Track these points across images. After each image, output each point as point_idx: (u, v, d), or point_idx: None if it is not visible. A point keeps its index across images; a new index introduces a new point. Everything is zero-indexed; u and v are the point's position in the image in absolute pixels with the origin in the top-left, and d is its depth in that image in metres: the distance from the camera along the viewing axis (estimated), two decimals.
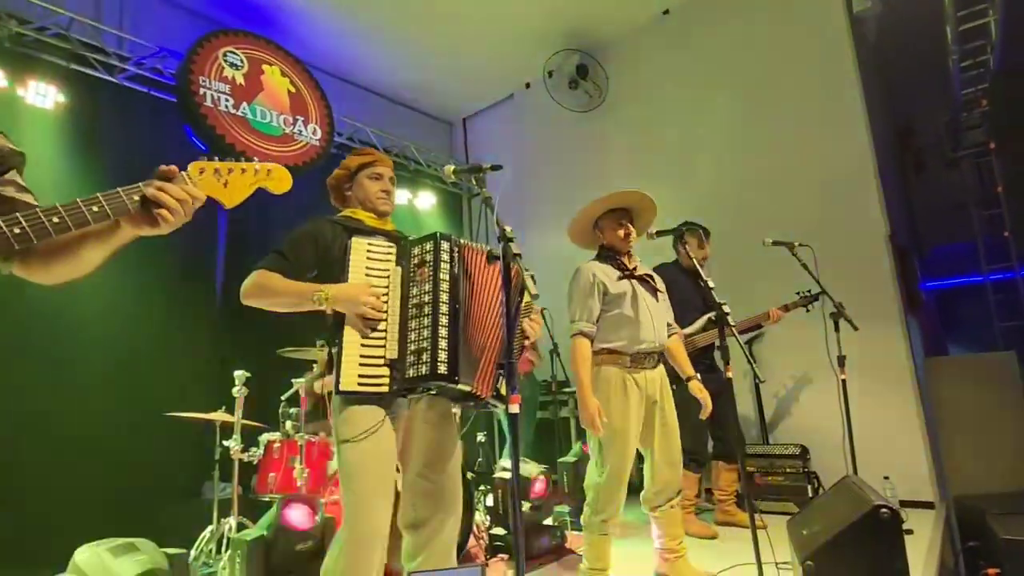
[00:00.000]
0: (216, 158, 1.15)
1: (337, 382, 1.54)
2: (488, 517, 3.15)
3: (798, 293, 3.39)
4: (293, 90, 4.42)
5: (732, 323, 2.18)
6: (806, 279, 3.12)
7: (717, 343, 2.21)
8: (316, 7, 4.48)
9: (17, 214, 0.90)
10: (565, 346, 4.64)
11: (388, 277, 1.66)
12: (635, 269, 2.47)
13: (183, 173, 1.07)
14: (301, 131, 4.37)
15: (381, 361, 1.58)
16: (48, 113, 3.30)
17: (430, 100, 6.11)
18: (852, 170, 3.94)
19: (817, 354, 3.34)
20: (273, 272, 1.66)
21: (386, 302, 1.63)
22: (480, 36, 5.01)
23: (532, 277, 1.36)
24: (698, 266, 2.33)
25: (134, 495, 3.30)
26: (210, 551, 2.90)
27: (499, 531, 3.09)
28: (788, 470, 3.63)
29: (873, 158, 3.92)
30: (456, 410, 1.88)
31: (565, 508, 3.57)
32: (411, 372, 1.55)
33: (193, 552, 2.84)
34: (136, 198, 0.99)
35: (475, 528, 2.98)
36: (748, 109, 4.43)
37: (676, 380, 2.55)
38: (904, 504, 3.22)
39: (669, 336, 2.51)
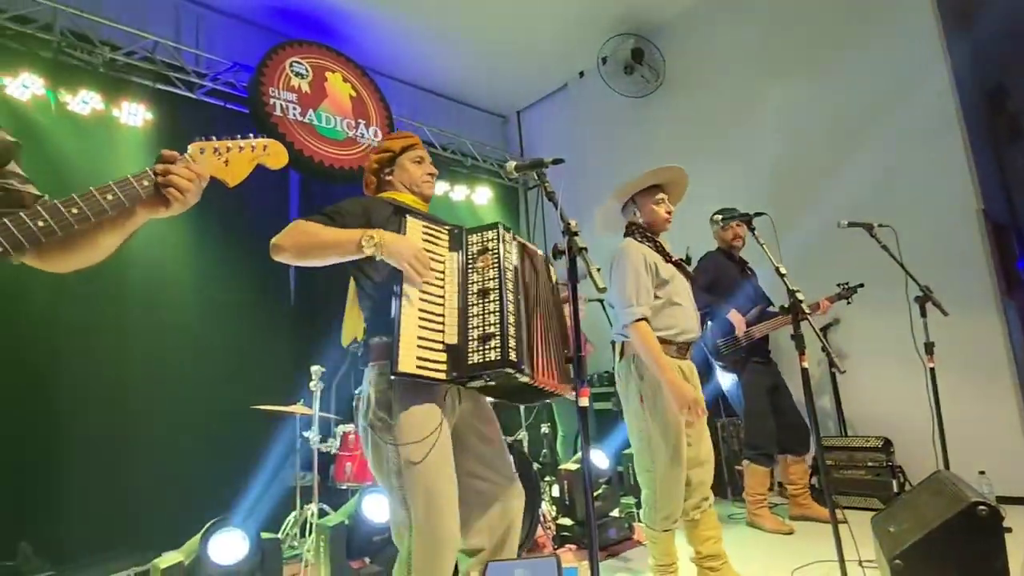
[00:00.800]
0: (213, 137, 1.16)
1: (394, 363, 1.37)
2: (554, 507, 3.19)
3: (839, 285, 3.22)
4: (354, 94, 4.58)
5: (807, 311, 2.09)
6: (883, 263, 2.93)
7: (791, 332, 2.11)
8: (373, 12, 4.61)
9: (38, 207, 0.92)
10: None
11: (443, 262, 1.59)
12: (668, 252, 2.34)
13: (185, 155, 1.09)
14: (363, 134, 4.53)
15: (439, 345, 1.47)
16: (138, 130, 3.59)
17: (484, 95, 6.16)
18: (936, 140, 3.66)
19: (901, 341, 3.13)
20: (313, 222, 1.57)
21: (441, 286, 1.55)
22: (532, 27, 4.99)
23: (599, 270, 1.36)
24: (770, 253, 2.23)
25: (226, 481, 3.56)
26: (295, 534, 3.09)
27: (566, 521, 3.12)
28: (870, 464, 3.45)
29: (961, 125, 3.62)
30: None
31: (632, 500, 3.55)
32: (475, 358, 1.45)
33: (279, 535, 3.04)
34: (147, 183, 1.03)
35: (542, 518, 3.02)
36: (816, 82, 4.20)
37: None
38: (1001, 500, 2.99)
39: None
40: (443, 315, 1.51)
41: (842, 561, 1.95)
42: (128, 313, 3.45)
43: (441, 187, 5.23)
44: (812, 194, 4.09)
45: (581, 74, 5.75)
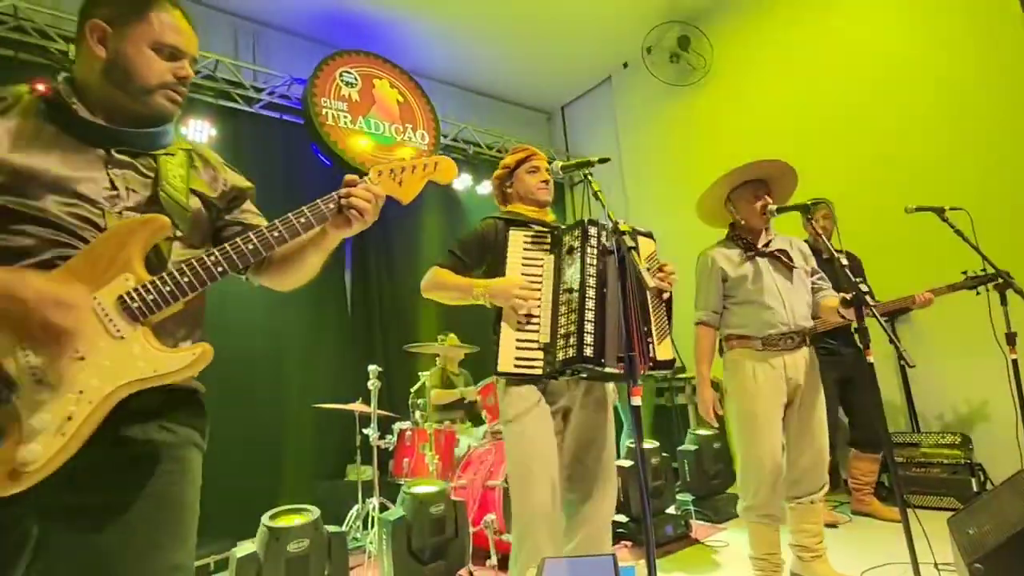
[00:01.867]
0: (392, 162, 1.26)
1: (496, 363, 1.66)
2: None
3: (964, 272, 3.02)
4: (401, 99, 4.69)
5: (872, 303, 2.00)
6: (957, 248, 2.75)
7: (854, 325, 2.03)
8: (417, 18, 4.70)
9: (249, 233, 1.07)
10: (679, 332, 4.55)
11: (543, 265, 1.75)
12: (767, 245, 2.31)
13: (366, 177, 1.21)
14: (411, 138, 4.63)
15: (535, 346, 1.66)
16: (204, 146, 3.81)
17: (528, 92, 6.17)
18: (1016, 116, 3.39)
19: (979, 331, 2.94)
20: (445, 268, 1.82)
21: (539, 290, 1.72)
22: (573, 22, 4.96)
23: (647, 269, 1.36)
24: (827, 242, 2.15)
25: (290, 476, 3.76)
26: (358, 527, 3.23)
27: (620, 518, 3.11)
28: (945, 461, 3.26)
29: None
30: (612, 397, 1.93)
31: (688, 496, 3.50)
32: (560, 355, 1.60)
33: (343, 528, 3.18)
34: (332, 205, 1.14)
35: None
36: (879, 59, 3.97)
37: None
38: None
39: (822, 298, 2.35)
40: (539, 316, 1.70)
41: (915, 563, 1.86)
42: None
43: (487, 186, 5.29)
44: (875, 177, 3.89)
45: (625, 65, 5.66)
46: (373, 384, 3.19)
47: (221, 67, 4.06)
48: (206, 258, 1.00)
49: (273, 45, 4.55)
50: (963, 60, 3.59)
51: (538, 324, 1.69)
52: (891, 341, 1.95)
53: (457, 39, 5.08)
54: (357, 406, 3.31)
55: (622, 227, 1.42)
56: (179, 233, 1.06)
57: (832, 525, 3.11)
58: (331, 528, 2.24)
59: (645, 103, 5.49)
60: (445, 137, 5.15)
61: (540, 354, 1.66)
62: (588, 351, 1.55)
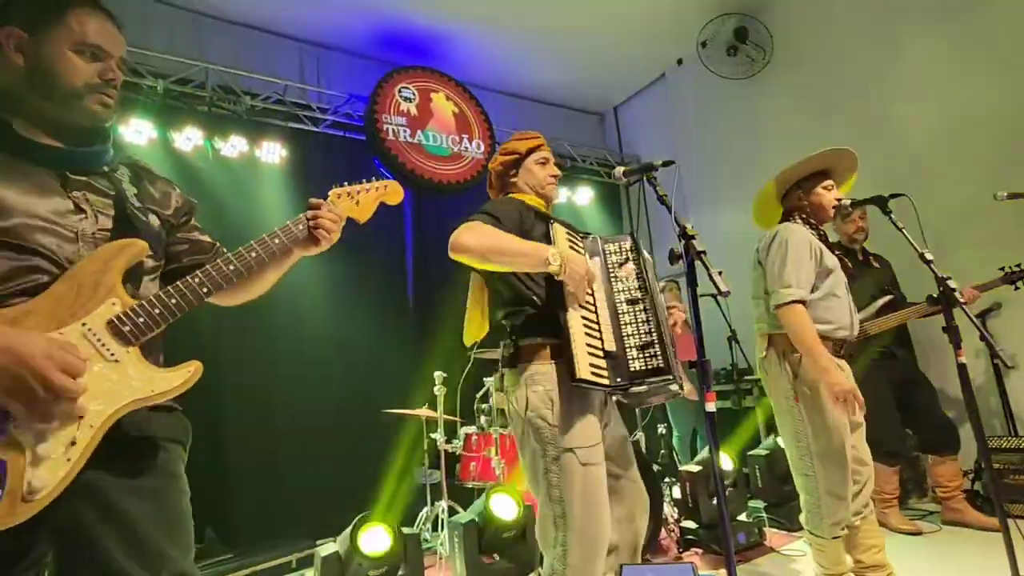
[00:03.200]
0: (346, 183, 1.35)
1: (574, 370, 1.43)
2: (676, 509, 3.13)
3: (1002, 269, 2.81)
4: (457, 111, 4.80)
5: (961, 299, 1.88)
6: None
7: (944, 324, 1.91)
8: (467, 29, 4.81)
9: (229, 254, 1.10)
10: (743, 332, 4.40)
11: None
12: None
13: (327, 201, 1.28)
14: (467, 148, 4.74)
15: (600, 352, 1.52)
16: (275, 167, 4.04)
17: (580, 94, 6.16)
18: None
19: None
20: (485, 224, 1.59)
21: (591, 292, 1.60)
22: (624, 21, 4.91)
23: (720, 273, 1.34)
24: (909, 238, 2.04)
25: (361, 480, 3.90)
26: (427, 529, 3.32)
27: (689, 524, 3.05)
28: None
29: None
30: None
31: (760, 503, 3.38)
32: (637, 365, 1.52)
33: (414, 529, 3.28)
34: (302, 226, 1.21)
35: (665, 520, 2.98)
36: (952, 33, 3.72)
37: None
38: None
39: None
40: (598, 322, 1.56)
41: None
42: (273, 331, 3.89)
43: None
44: (955, 166, 3.64)
45: (679, 61, 5.56)
46: (439, 390, 3.28)
47: (290, 90, 4.29)
48: (191, 280, 1.02)
49: (335, 66, 4.77)
50: None
51: (598, 329, 1.55)
52: (983, 339, 1.83)
53: (508, 48, 5.15)
54: (423, 411, 3.40)
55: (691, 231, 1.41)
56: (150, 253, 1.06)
57: (915, 533, 2.95)
58: (406, 530, 2.32)
59: (702, 100, 5.36)
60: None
61: (604, 363, 1.51)
62: (660, 362, 1.53)
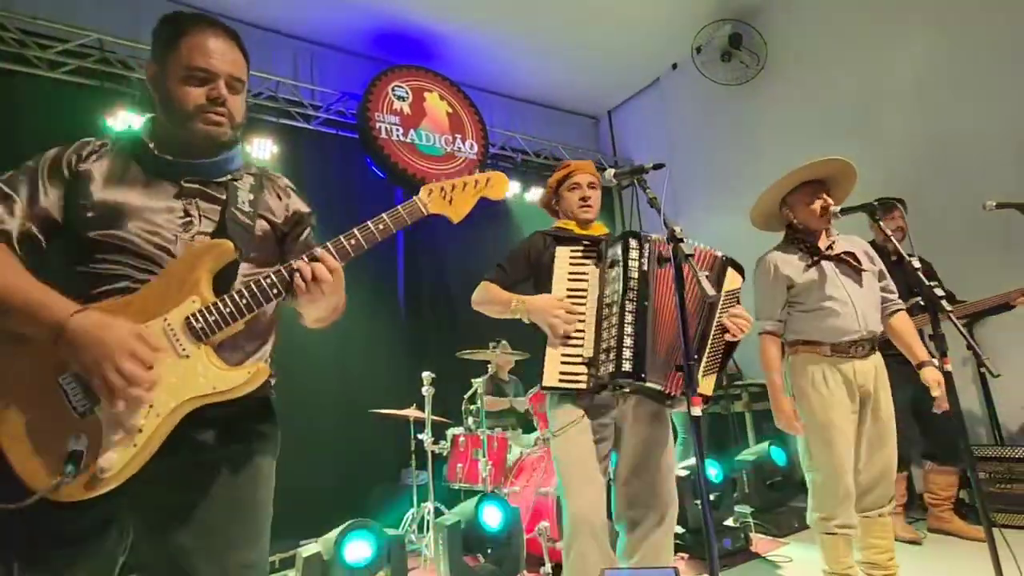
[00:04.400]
0: (443, 179, 1.28)
1: (541, 378, 1.68)
2: None
3: None
4: (451, 111, 4.79)
5: (948, 308, 1.89)
6: None
7: (930, 331, 1.92)
8: (466, 30, 4.79)
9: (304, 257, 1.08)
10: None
11: (587, 278, 1.75)
12: (831, 247, 2.21)
13: (415, 197, 1.21)
14: (460, 148, 4.73)
15: (580, 359, 1.66)
16: (267, 164, 4.01)
17: (575, 98, 6.16)
18: None
19: None
20: (492, 283, 1.87)
21: (583, 302, 1.71)
22: (620, 26, 4.92)
23: (706, 277, 1.33)
24: (898, 244, 2.04)
25: (349, 479, 3.88)
26: (413, 530, 3.29)
27: (676, 529, 3.04)
28: None
29: None
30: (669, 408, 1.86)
31: (747, 508, 3.38)
32: (602, 370, 1.61)
33: (399, 531, 3.26)
34: (381, 227, 1.18)
35: None
36: (946, 48, 3.75)
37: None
38: None
39: (891, 314, 2.26)
40: (583, 331, 1.69)
41: None
42: None
43: (536, 193, 5.32)
44: (946, 176, 3.67)
45: (674, 66, 5.58)
46: (427, 390, 3.26)
47: (282, 88, 4.27)
48: (263, 280, 1.05)
49: (329, 64, 4.74)
50: None
51: (583, 338, 1.68)
52: (970, 347, 1.84)
53: (503, 49, 5.14)
54: (411, 411, 3.38)
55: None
56: (252, 255, 1.12)
57: (914, 542, 2.95)
58: (390, 531, 2.30)
59: (696, 105, 5.38)
60: (493, 146, 5.21)
61: (584, 368, 1.65)
62: (627, 366, 1.55)
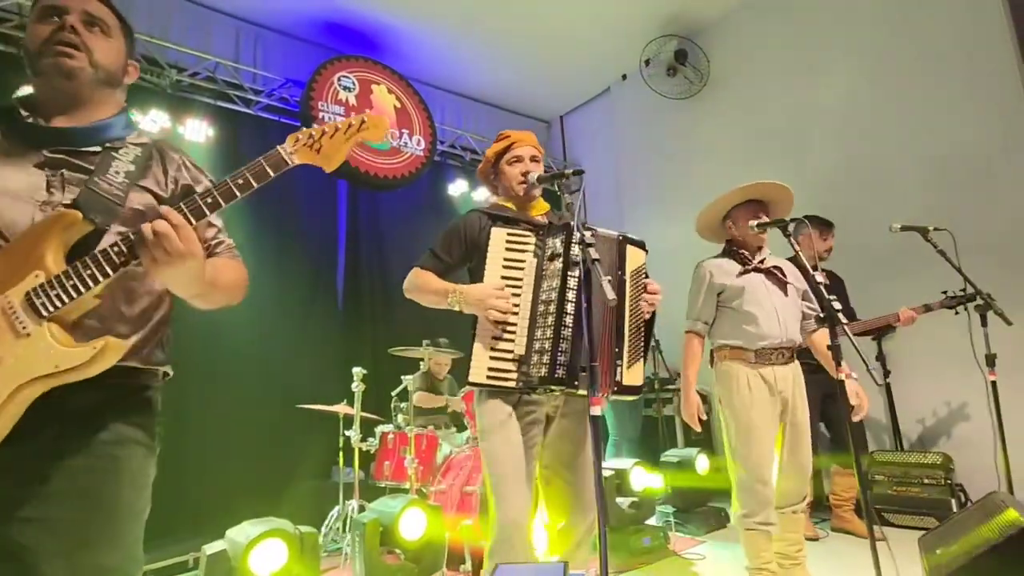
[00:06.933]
0: (303, 128, 1.16)
1: (467, 374, 1.58)
2: None
3: (944, 292, 3.05)
4: (399, 105, 4.74)
5: (844, 321, 2.01)
6: (940, 270, 2.77)
7: (828, 342, 2.05)
8: (417, 25, 4.75)
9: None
10: (666, 342, 4.55)
11: (524, 268, 1.63)
12: (763, 262, 2.37)
13: (279, 146, 1.11)
14: (407, 143, 4.68)
15: (511, 356, 1.57)
16: (202, 146, 3.85)
17: (527, 101, 6.21)
18: (999, 142, 3.42)
19: (960, 352, 2.95)
20: (425, 270, 1.75)
21: (519, 294, 1.60)
22: (574, 32, 5.00)
23: (609, 281, 1.37)
24: (804, 260, 2.18)
25: (275, 476, 3.77)
26: (337, 529, 3.24)
27: None
28: (927, 481, 3.26)
29: None
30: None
31: (669, 508, 3.50)
32: (534, 372, 1.54)
33: (323, 529, 3.19)
34: (241, 182, 1.08)
35: None
36: (869, 79, 4.00)
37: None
38: None
39: (813, 331, 2.42)
40: (516, 325, 1.59)
41: None
42: (185, 315, 3.70)
43: (483, 193, 5.32)
44: (866, 197, 3.92)
45: (624, 77, 5.71)
46: (357, 387, 3.21)
47: (221, 69, 4.11)
48: (109, 249, 0.98)
49: (274, 48, 4.60)
50: (950, 77, 3.62)
51: (515, 334, 1.58)
52: (862, 359, 1.97)
53: (457, 46, 5.12)
54: (341, 408, 3.32)
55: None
56: (117, 228, 1.03)
57: (813, 538, 3.14)
58: (303, 528, 2.25)
59: (644, 115, 5.52)
60: (442, 143, 5.19)
61: (514, 366, 1.56)
62: (560, 372, 1.50)
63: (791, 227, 2.29)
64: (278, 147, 1.10)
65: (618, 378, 1.62)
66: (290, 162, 1.11)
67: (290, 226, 4.21)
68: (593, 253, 1.44)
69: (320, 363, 4.12)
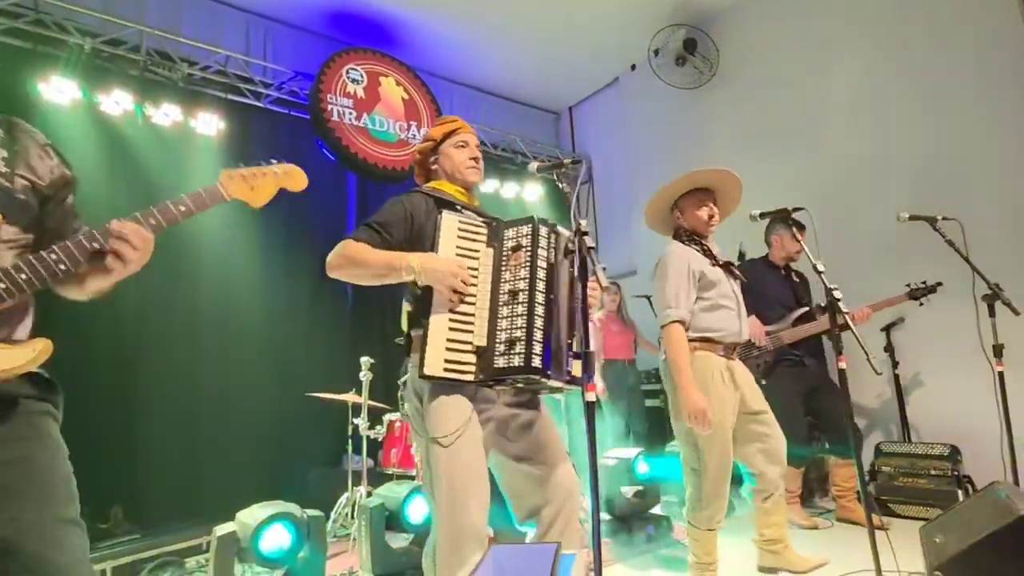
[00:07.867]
0: (240, 165, 1.28)
1: (421, 365, 1.44)
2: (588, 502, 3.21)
3: (908, 285, 3.03)
4: (407, 97, 4.76)
5: (846, 310, 2.02)
6: (949, 259, 2.74)
7: (826, 333, 2.06)
8: (426, 16, 4.76)
9: (94, 232, 1.05)
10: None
11: (478, 258, 1.57)
12: (716, 255, 2.34)
13: (218, 180, 1.23)
14: (415, 135, 4.71)
15: (468, 347, 1.48)
16: (212, 140, 3.92)
17: (536, 92, 6.20)
18: (1010, 132, 3.37)
19: (968, 343, 2.93)
20: (361, 242, 1.57)
21: (475, 284, 1.53)
22: (583, 22, 4.98)
23: (603, 269, 1.39)
24: (789, 252, 2.19)
25: (286, 462, 3.85)
26: (346, 515, 3.31)
27: (604, 516, 3.15)
28: (933, 472, 3.24)
29: None
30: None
31: (674, 497, 3.52)
32: (501, 362, 1.45)
33: (332, 515, 3.26)
34: (182, 209, 1.15)
35: (581, 513, 3.06)
36: (879, 68, 3.95)
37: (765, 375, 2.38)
38: None
39: None
40: (474, 316, 1.51)
41: (879, 570, 1.87)
42: (200, 306, 3.79)
43: (491, 185, 5.34)
44: (876, 186, 3.88)
45: (633, 67, 5.68)
46: (365, 375, 3.27)
47: (232, 62, 4.16)
48: (46, 256, 0.97)
49: (284, 41, 4.65)
50: (962, 65, 3.56)
51: (472, 324, 1.50)
52: (862, 347, 1.97)
53: (465, 38, 5.13)
54: (349, 396, 3.38)
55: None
56: (15, 218, 1.01)
57: (813, 527, 3.16)
58: (311, 512, 2.31)
59: (653, 105, 5.49)
60: None
61: (473, 358, 1.47)
62: (537, 361, 1.42)
63: (792, 216, 2.30)
64: (217, 181, 1.22)
65: (570, 367, 1.55)
66: (225, 196, 1.23)
67: (300, 217, 4.27)
68: (589, 241, 1.46)
69: (330, 352, 4.19)
